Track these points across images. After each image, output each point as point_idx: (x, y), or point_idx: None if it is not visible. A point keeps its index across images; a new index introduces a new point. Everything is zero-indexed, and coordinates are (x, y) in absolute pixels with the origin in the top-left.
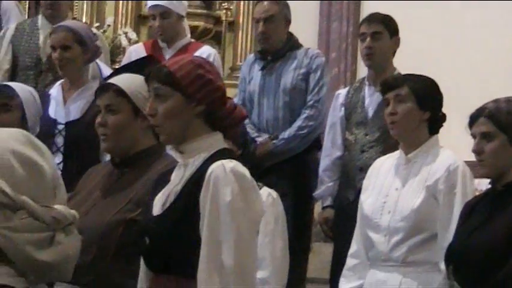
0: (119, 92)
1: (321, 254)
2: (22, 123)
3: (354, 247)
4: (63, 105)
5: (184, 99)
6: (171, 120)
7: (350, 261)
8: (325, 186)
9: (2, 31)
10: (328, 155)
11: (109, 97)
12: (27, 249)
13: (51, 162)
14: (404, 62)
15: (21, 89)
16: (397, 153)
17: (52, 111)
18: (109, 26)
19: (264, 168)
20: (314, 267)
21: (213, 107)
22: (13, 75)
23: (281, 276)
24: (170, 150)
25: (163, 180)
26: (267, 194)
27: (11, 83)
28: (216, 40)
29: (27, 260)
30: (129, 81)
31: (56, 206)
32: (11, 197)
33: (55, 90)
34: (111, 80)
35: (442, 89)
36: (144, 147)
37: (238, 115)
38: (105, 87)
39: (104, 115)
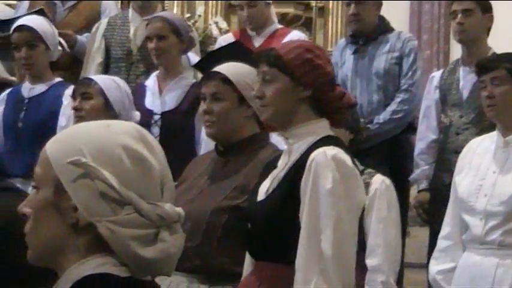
0: (225, 80)
1: (417, 238)
2: (107, 109)
3: (446, 229)
4: (159, 96)
5: (291, 82)
6: (278, 102)
7: (442, 243)
8: (421, 169)
9: (96, 25)
10: (423, 138)
11: (215, 85)
12: (131, 245)
13: (161, 160)
14: (498, 42)
15: (100, 77)
16: (493, 135)
17: (148, 102)
18: (200, 16)
19: (358, 152)
20: (411, 252)
21: (320, 92)
22: (106, 67)
23: (394, 264)
24: (276, 137)
25: (271, 167)
26: (380, 181)
27: (90, 75)
28: (306, 26)
29: (130, 255)
30: (234, 70)
31: (162, 204)
32: (118, 191)
33: (151, 81)
34: (216, 68)
35: None
36: (248, 135)
37: (346, 102)
38: (211, 75)
39: (209, 103)
